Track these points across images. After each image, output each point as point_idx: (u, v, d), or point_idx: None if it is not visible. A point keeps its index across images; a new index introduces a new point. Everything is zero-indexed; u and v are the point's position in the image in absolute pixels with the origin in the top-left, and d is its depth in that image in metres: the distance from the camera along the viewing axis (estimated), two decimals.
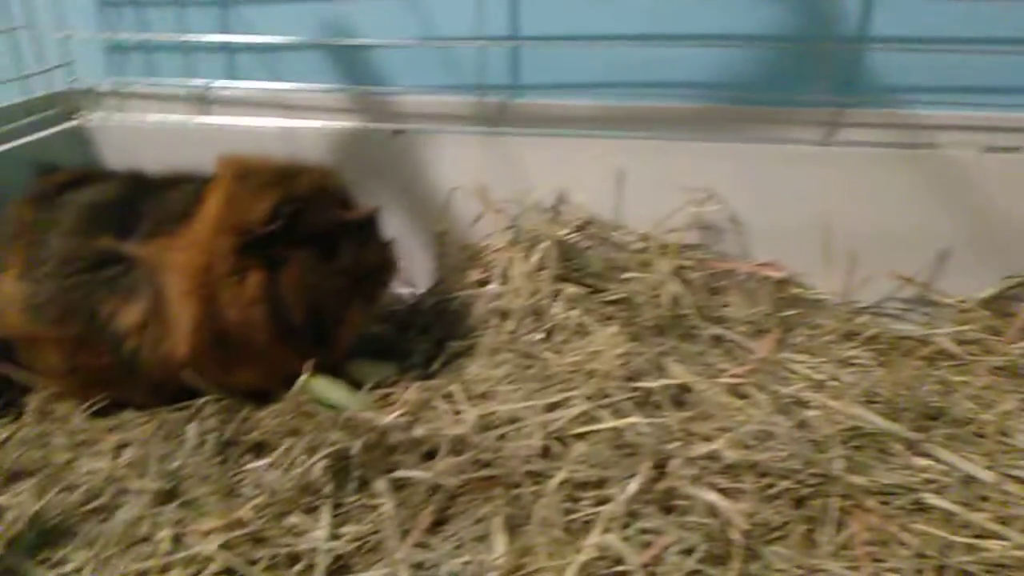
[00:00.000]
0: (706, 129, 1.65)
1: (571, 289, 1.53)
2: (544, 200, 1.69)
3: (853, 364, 1.46)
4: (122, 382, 1.35)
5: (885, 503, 1.12)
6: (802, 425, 1.27)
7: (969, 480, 1.15)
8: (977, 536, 1.07)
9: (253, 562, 1.04)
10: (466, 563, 1.03)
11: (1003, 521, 1.08)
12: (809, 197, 1.60)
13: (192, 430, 1.27)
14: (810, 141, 1.61)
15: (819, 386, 1.37)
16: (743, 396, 1.33)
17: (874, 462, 1.19)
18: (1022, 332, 1.48)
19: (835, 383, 1.39)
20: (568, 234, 1.64)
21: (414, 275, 1.65)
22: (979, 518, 1.09)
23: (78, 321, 1.31)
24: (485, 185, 1.66)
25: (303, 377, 1.29)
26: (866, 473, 1.16)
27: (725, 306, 1.58)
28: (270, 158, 1.37)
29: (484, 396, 1.35)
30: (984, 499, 1.12)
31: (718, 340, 1.48)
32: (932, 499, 1.11)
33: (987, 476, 1.15)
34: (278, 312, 1.30)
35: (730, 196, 1.62)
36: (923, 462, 1.18)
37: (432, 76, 1.80)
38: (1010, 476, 1.15)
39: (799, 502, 1.12)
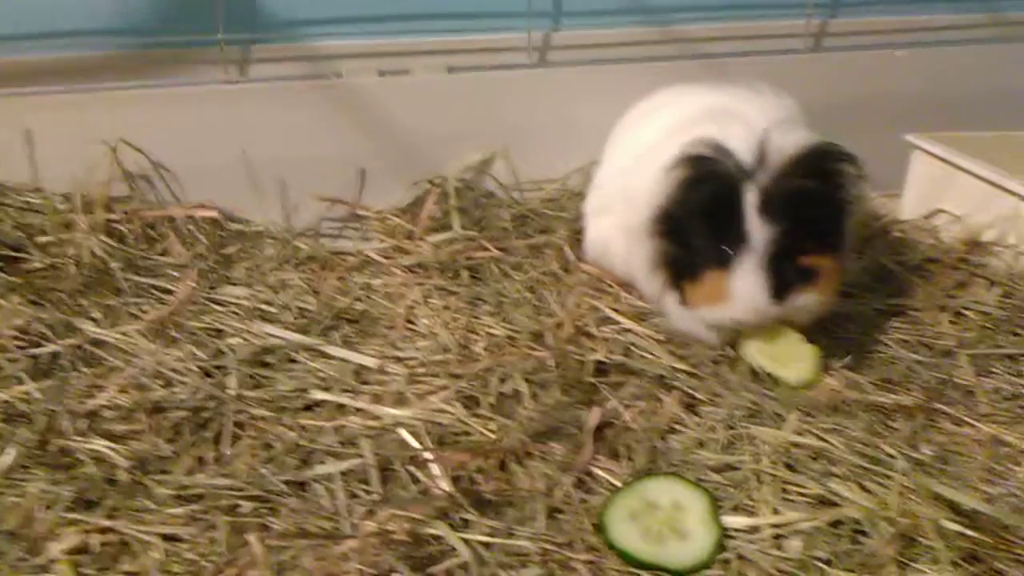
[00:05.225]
0: (115, 77, 1.62)
1: None
2: None
3: (289, 287, 1.54)
4: None
5: (282, 409, 1.22)
6: (220, 354, 1.33)
7: (360, 370, 1.30)
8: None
9: None
10: None
11: (378, 398, 1.23)
12: (229, 135, 1.65)
13: None
14: (219, 80, 1.65)
15: (249, 313, 1.44)
16: (169, 341, 1.36)
17: (279, 375, 1.28)
18: (427, 224, 1.67)
19: (268, 307, 1.47)
20: None
21: None
22: (364, 402, 1.22)
23: None
24: None
25: None
26: (264, 387, 1.25)
27: (162, 255, 1.58)
28: None
29: None
30: (366, 383, 1.27)
31: (146, 290, 1.48)
32: (318, 394, 1.23)
33: (371, 362, 1.30)
34: None
35: (151, 142, 1.62)
36: (317, 363, 1.31)
37: None
38: (390, 357, 1.32)
39: (200, 427, 1.18)
